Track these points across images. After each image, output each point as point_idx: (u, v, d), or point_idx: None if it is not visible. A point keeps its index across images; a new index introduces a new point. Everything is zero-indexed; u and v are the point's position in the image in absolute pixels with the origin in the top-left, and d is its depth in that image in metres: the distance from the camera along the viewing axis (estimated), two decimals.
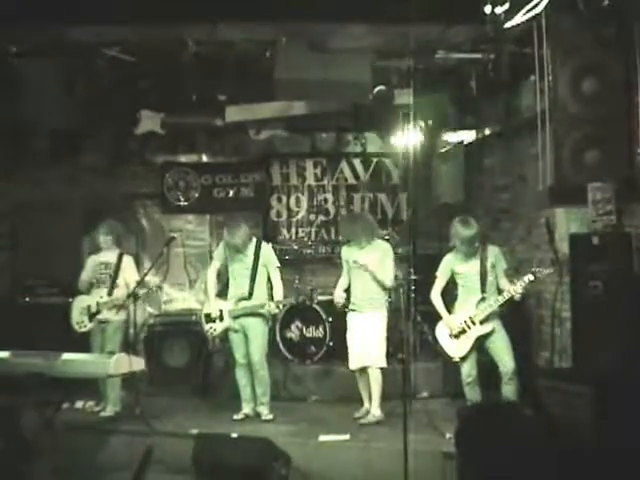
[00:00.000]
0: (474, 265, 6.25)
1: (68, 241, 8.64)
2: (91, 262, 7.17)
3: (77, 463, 5.13)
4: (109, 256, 7.10)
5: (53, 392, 5.91)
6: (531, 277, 5.93)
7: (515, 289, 5.97)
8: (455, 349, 6.24)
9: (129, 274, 7.05)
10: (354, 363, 6.73)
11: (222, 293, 7.02)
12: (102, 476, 5.09)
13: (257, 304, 6.71)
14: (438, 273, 6.41)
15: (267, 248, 6.95)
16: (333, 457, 5.65)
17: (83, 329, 6.95)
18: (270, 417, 6.76)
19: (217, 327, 6.81)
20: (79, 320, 6.97)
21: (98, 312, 6.93)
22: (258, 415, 6.81)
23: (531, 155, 6.63)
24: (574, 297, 5.37)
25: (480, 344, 6.17)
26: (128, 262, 7.11)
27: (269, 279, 6.90)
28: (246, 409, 6.84)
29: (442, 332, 6.33)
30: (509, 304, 6.13)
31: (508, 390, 5.99)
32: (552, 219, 6.70)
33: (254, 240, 6.91)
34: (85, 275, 7.14)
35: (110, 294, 6.95)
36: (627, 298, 4.96)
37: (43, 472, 4.68)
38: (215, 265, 7.03)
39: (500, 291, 6.16)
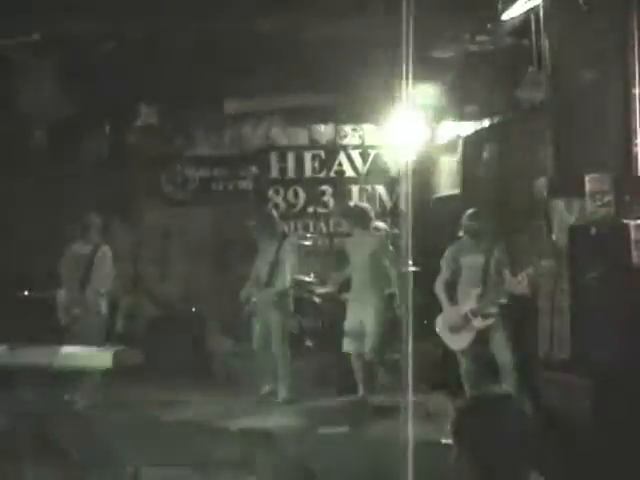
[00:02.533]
0: (479, 259, 6.25)
1: (66, 235, 8.63)
2: (69, 254, 7.02)
3: (66, 454, 5.13)
4: (86, 248, 6.95)
5: (53, 385, 5.91)
6: (531, 271, 5.95)
7: (516, 282, 5.98)
8: (456, 342, 6.24)
9: (104, 267, 6.89)
10: (346, 347, 6.86)
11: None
12: (95, 469, 5.09)
13: (271, 293, 7.04)
14: (442, 263, 6.42)
15: (290, 240, 7.38)
16: (332, 448, 5.67)
17: (65, 323, 6.86)
18: (285, 397, 7.00)
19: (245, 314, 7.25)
20: (60, 315, 6.88)
21: (74, 306, 6.82)
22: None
23: (530, 146, 6.62)
24: (573, 288, 5.38)
25: (480, 337, 6.18)
26: (103, 254, 6.94)
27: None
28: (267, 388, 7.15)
29: (443, 324, 6.33)
30: (509, 297, 6.14)
31: (507, 382, 5.97)
32: (551, 211, 6.70)
33: (279, 231, 7.32)
34: (61, 267, 7.01)
35: (83, 287, 6.81)
36: (625, 289, 4.96)
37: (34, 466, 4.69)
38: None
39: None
